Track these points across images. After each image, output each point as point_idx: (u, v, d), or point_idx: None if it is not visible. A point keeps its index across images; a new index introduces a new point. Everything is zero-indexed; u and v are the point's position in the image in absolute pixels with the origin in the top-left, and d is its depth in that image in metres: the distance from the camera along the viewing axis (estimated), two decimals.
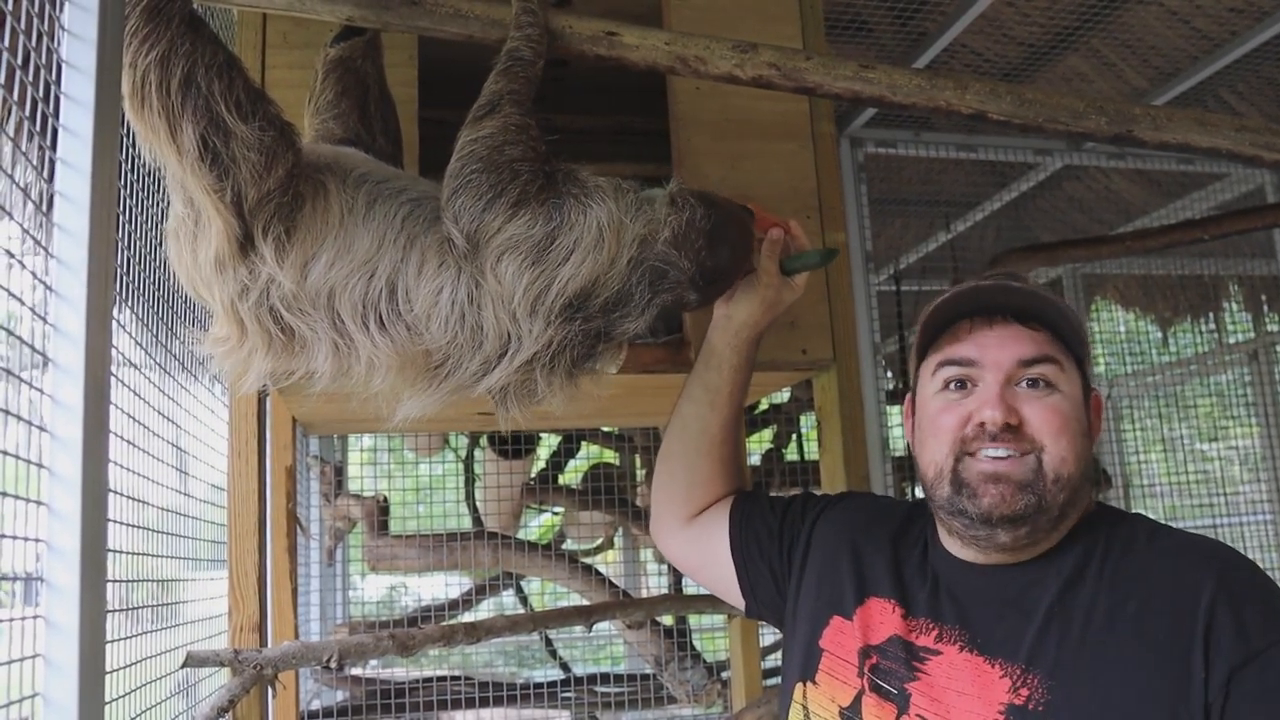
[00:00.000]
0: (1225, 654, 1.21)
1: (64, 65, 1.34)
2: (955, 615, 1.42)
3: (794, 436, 4.43)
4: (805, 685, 1.53)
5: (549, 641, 4.55)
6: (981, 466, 1.38)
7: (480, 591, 4.50)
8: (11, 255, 1.32)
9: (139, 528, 1.95)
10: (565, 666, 4.48)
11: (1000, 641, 1.35)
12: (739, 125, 2.48)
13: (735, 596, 1.81)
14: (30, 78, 1.40)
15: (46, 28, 1.44)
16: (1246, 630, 1.22)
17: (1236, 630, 1.22)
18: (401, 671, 4.51)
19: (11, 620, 1.26)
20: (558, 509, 4.71)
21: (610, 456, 4.58)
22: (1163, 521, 1.59)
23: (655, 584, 5.38)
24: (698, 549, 1.88)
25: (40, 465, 1.25)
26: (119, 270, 1.99)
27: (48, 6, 1.44)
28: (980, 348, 1.44)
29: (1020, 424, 1.38)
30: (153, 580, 2.14)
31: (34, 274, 1.33)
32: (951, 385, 1.45)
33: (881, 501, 1.78)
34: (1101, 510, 1.47)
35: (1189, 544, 1.37)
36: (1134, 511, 1.46)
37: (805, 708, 1.50)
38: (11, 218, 1.36)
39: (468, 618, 4.22)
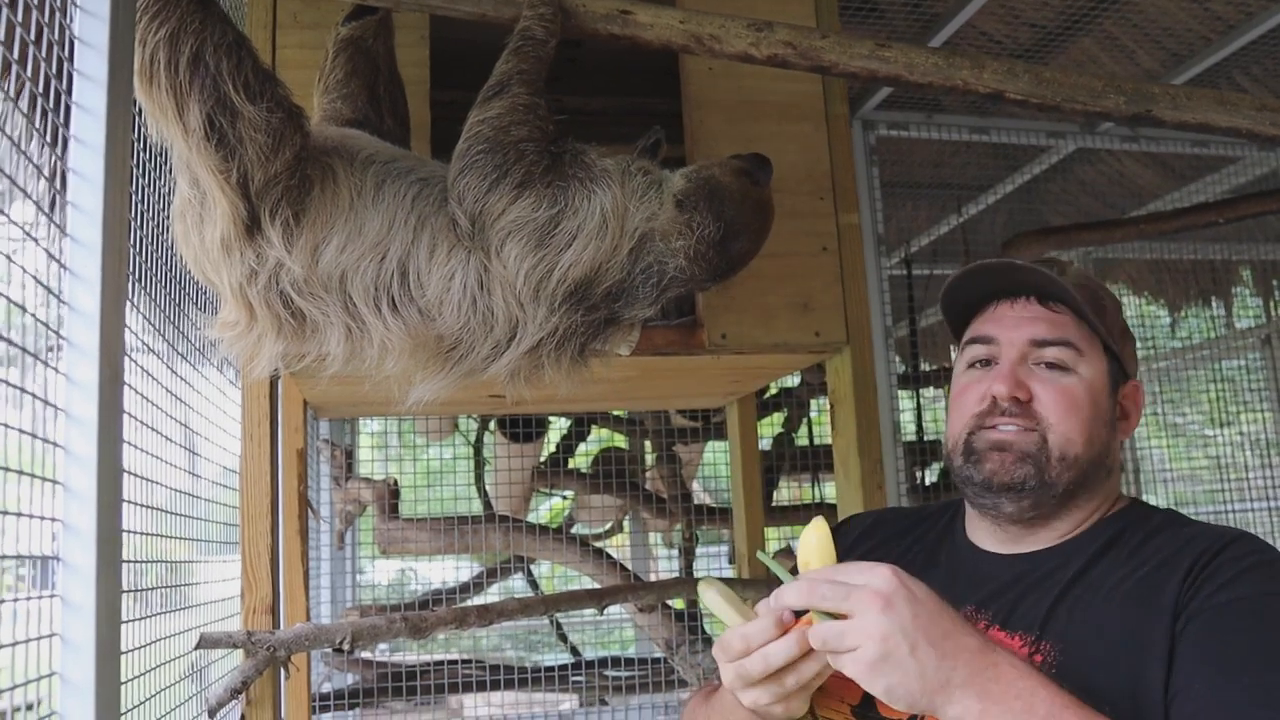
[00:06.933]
0: (1204, 591, 1.23)
1: (77, 42, 1.34)
2: (977, 598, 1.42)
3: (804, 421, 4.42)
4: None
5: (558, 625, 4.56)
6: (990, 436, 1.43)
7: (490, 575, 4.51)
8: (26, 233, 1.31)
9: (152, 509, 1.95)
10: (575, 650, 4.49)
11: (1021, 616, 1.36)
12: (752, 106, 2.47)
13: None
14: (44, 54, 1.39)
15: (59, 3, 1.43)
16: (1225, 570, 1.25)
17: (1217, 570, 1.25)
18: (412, 655, 4.52)
19: (29, 599, 1.26)
20: (568, 493, 4.71)
21: (620, 441, 4.57)
22: (1171, 507, 1.59)
23: (665, 567, 5.39)
24: None
25: (56, 445, 1.24)
26: (132, 250, 1.99)
27: None
28: (1000, 325, 1.47)
29: (1030, 400, 1.41)
30: (165, 562, 2.14)
31: (48, 252, 1.32)
32: (977, 364, 1.49)
33: (886, 512, 1.78)
34: (1135, 503, 1.48)
35: (1217, 527, 1.37)
36: (1166, 508, 1.48)
37: (814, 714, 1.50)
38: (27, 195, 1.35)
39: (478, 601, 4.22)
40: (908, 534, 1.61)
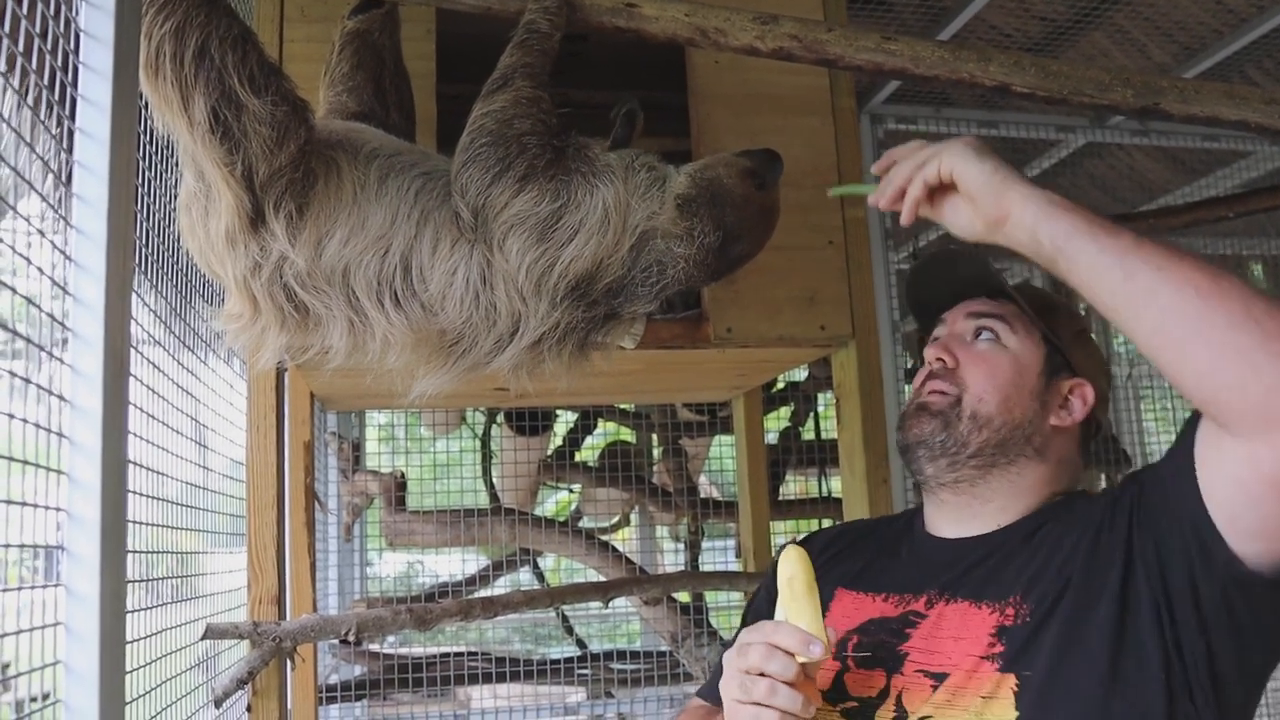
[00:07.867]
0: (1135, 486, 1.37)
1: (82, 34, 1.34)
2: (938, 580, 1.47)
3: (811, 415, 4.42)
4: None
5: (565, 618, 4.57)
6: (915, 402, 1.55)
7: (497, 568, 4.52)
8: (31, 226, 1.32)
9: (158, 499, 1.96)
10: (581, 643, 4.50)
11: (983, 585, 1.43)
12: (758, 100, 2.46)
13: None
14: (49, 46, 1.39)
15: None
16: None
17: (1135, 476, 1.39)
18: (419, 648, 4.54)
19: (34, 588, 1.27)
20: (574, 486, 4.72)
21: (627, 434, 4.58)
22: None
23: (671, 561, 5.40)
24: None
25: (61, 435, 1.25)
26: (138, 243, 2.00)
27: None
28: (950, 313, 1.62)
29: (956, 366, 1.51)
30: (172, 553, 2.15)
31: (54, 244, 1.33)
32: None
33: (849, 523, 1.88)
34: (1084, 492, 1.56)
35: None
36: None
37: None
38: (33, 188, 1.36)
39: (484, 594, 4.24)
40: (870, 536, 1.68)
